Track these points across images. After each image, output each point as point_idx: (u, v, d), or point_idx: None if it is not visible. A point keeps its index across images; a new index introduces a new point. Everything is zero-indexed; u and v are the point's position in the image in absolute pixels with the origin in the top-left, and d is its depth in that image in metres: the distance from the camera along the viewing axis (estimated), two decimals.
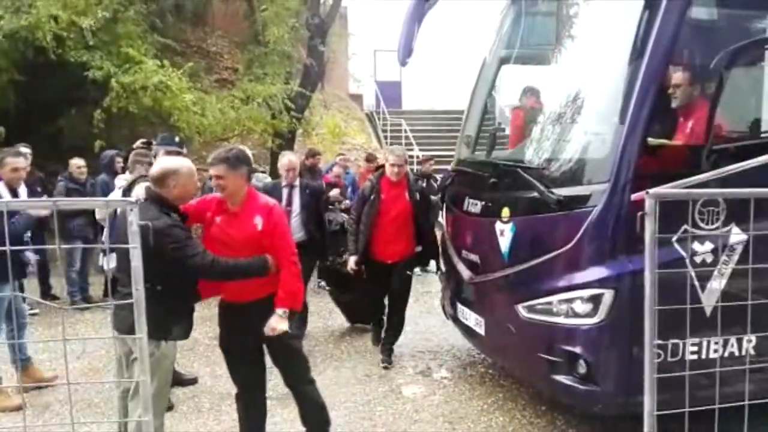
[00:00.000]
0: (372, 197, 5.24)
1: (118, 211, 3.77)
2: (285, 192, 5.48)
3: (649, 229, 2.60)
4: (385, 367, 5.22)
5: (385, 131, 17.63)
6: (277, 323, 3.32)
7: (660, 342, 3.16)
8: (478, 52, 5.58)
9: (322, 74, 12.53)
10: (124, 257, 3.03)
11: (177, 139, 5.72)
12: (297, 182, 5.59)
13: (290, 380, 3.64)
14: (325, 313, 6.93)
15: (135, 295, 2.27)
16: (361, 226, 5.29)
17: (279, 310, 3.33)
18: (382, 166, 5.48)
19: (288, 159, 5.58)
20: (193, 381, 4.99)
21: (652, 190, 2.54)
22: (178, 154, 5.14)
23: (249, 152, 7.30)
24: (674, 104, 3.68)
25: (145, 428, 2.47)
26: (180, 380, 4.83)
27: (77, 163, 7.37)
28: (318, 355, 5.58)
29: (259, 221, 3.31)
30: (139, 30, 9.68)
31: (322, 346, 5.91)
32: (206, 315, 6.99)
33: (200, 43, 13.81)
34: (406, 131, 16.73)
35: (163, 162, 3.45)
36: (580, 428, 4.12)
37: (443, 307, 5.24)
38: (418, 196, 5.31)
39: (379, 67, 19.40)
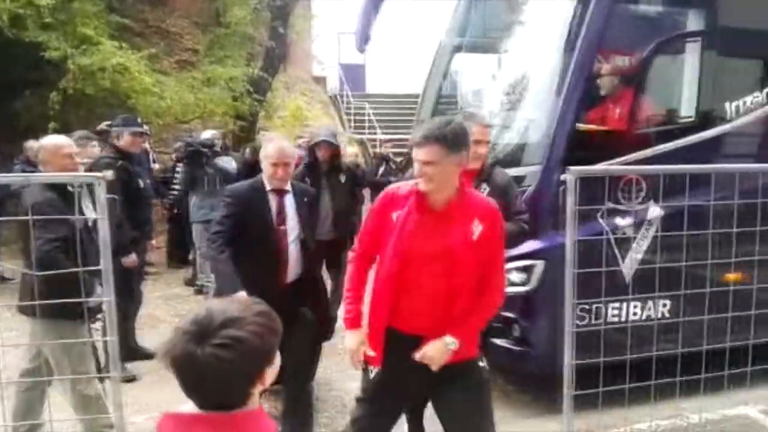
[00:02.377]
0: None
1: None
2: (273, 201, 3.45)
3: (570, 202, 2.94)
4: None
5: (349, 114, 17.80)
6: (437, 352, 2.40)
7: (585, 306, 3.55)
8: (438, 37, 5.80)
9: (285, 56, 12.62)
10: (24, 234, 3.05)
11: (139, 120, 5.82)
12: (288, 185, 3.54)
13: None
14: None
15: (103, 264, 2.49)
16: None
17: (449, 339, 2.40)
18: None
19: (279, 146, 3.44)
20: (154, 355, 5.18)
21: (571, 168, 2.87)
22: (142, 135, 5.30)
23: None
24: (603, 92, 4.02)
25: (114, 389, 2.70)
26: (144, 354, 5.03)
27: (32, 146, 7.36)
28: None
29: (477, 227, 2.39)
30: (96, 9, 9.62)
31: None
32: (168, 294, 7.19)
33: (159, 24, 13.69)
34: (369, 114, 16.94)
35: None
36: (517, 385, 4.44)
37: None
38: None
39: (344, 49, 19.47)
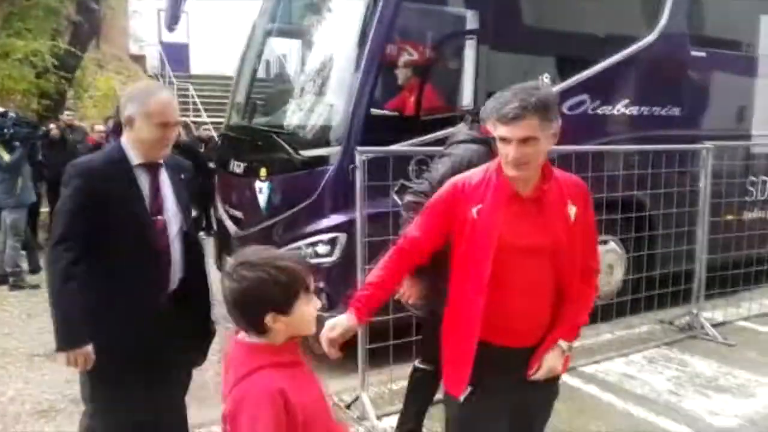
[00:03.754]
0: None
1: None
2: (145, 180, 2.43)
3: (359, 179, 3.30)
4: None
5: None
6: (558, 362, 2.12)
7: None
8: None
9: (96, 32, 11.87)
10: None
11: None
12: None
13: None
14: None
15: None
16: None
17: (564, 344, 2.11)
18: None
19: (168, 99, 2.41)
20: None
21: (360, 148, 3.22)
22: None
23: None
24: (396, 81, 4.46)
25: None
26: None
27: None
28: None
29: (572, 209, 2.06)
30: None
31: None
32: None
33: None
34: (194, 96, 16.40)
35: None
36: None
37: (215, 261, 5.62)
38: None
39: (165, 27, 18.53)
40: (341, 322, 2.00)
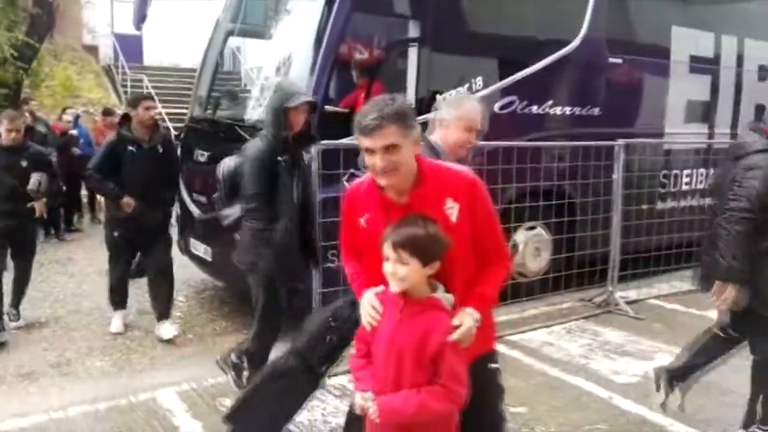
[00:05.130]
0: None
1: None
2: None
3: (314, 168, 3.82)
4: None
5: (125, 87, 17.08)
6: (469, 321, 2.02)
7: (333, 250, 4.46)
8: (216, 13, 6.17)
9: (52, 23, 11.93)
10: None
11: None
12: None
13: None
14: None
15: None
16: None
17: (472, 311, 2.05)
18: None
19: (478, 106, 3.08)
20: None
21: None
22: None
23: None
24: (347, 81, 4.98)
25: None
26: None
27: None
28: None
29: (452, 208, 2.08)
30: None
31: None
32: None
33: None
34: (148, 87, 16.43)
35: None
36: None
37: (178, 243, 6.02)
38: None
39: (118, 18, 18.49)
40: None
